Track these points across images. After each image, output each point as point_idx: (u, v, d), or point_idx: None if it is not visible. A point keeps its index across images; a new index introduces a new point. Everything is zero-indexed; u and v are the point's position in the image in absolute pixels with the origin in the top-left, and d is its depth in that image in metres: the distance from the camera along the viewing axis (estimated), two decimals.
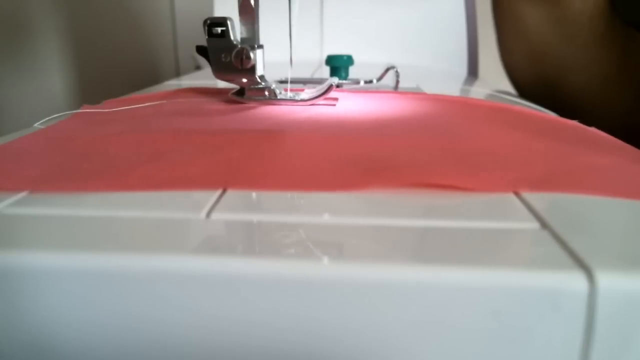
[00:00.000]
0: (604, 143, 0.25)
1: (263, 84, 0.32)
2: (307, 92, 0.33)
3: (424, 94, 0.37)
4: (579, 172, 0.20)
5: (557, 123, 0.30)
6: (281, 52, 0.37)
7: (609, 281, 0.12)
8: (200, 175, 0.19)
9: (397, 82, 0.40)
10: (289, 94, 0.33)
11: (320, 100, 0.32)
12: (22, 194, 0.18)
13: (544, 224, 0.15)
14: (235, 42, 0.31)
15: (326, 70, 0.44)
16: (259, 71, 0.32)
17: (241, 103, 0.33)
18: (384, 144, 0.23)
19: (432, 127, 0.27)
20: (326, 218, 0.16)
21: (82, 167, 0.20)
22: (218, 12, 0.65)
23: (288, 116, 0.30)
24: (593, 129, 0.28)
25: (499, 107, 0.32)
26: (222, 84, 0.37)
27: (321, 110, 0.31)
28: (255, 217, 0.16)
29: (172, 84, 0.47)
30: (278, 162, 0.21)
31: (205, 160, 0.21)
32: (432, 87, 0.41)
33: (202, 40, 0.32)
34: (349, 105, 0.32)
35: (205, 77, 0.51)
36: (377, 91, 0.37)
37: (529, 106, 0.36)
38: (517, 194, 0.18)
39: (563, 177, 0.20)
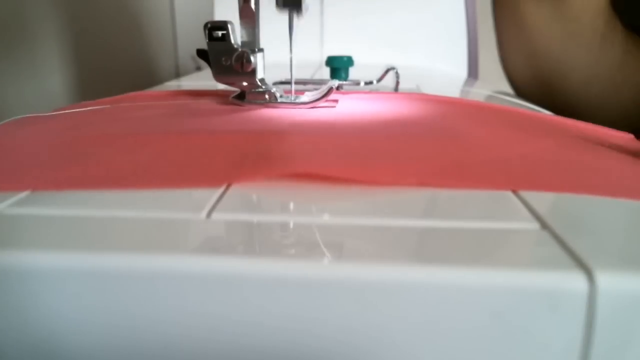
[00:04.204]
0: (538, 126, 0.25)
1: (263, 87, 0.32)
2: (307, 95, 0.33)
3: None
4: (479, 164, 0.20)
5: (507, 113, 0.29)
6: (281, 53, 0.37)
7: (609, 281, 0.12)
8: (112, 175, 0.19)
9: (397, 83, 0.40)
10: (291, 97, 0.33)
11: (320, 103, 0.32)
12: (23, 194, 0.18)
13: (544, 224, 0.15)
14: (235, 46, 0.31)
15: (326, 71, 0.44)
16: (259, 74, 0.32)
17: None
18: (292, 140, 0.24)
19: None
20: (326, 218, 0.16)
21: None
22: (218, 15, 0.65)
23: (219, 115, 0.29)
24: (546, 114, 0.27)
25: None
26: (189, 86, 0.37)
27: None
28: (255, 217, 0.16)
29: (171, 84, 0.47)
30: (177, 160, 0.21)
31: (120, 158, 0.21)
32: (432, 88, 0.41)
33: (202, 41, 0.32)
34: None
35: (205, 79, 0.51)
36: (376, 92, 0.37)
37: (527, 107, 0.36)
38: (515, 192, 0.18)
39: (454, 170, 0.20)
